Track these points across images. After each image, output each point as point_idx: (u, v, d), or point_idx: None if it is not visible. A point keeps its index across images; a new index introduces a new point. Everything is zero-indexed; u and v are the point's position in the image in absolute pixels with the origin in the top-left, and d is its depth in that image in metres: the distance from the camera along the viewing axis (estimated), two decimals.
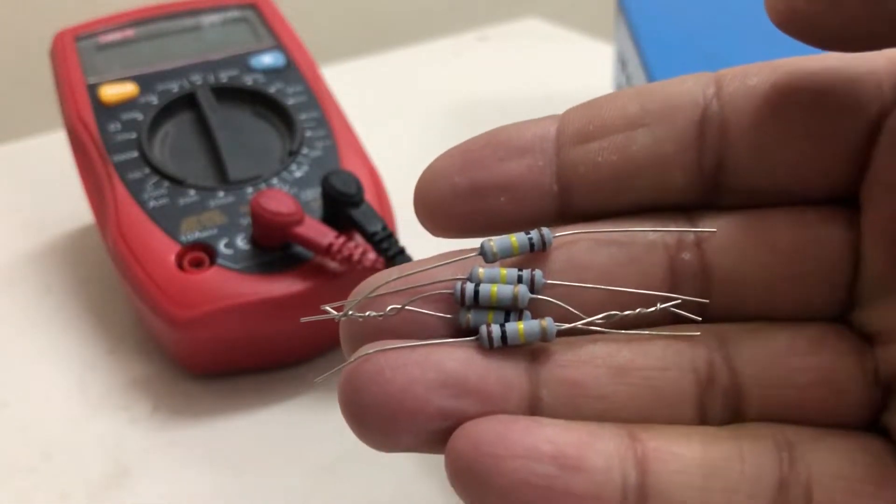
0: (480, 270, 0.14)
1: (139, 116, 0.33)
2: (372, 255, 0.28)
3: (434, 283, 0.14)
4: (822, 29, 0.13)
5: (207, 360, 0.30)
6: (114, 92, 0.34)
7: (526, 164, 0.15)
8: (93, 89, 0.34)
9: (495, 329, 0.14)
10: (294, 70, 0.36)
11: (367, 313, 0.14)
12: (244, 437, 0.28)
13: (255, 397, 0.30)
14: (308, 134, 0.33)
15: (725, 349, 0.14)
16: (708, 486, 0.13)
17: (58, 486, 0.27)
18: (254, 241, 0.29)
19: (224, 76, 0.35)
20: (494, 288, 0.14)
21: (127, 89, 0.34)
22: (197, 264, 0.29)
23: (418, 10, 0.80)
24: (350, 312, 0.14)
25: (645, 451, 0.13)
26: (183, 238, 0.29)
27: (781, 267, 0.14)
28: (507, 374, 0.14)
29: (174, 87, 0.34)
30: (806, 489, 0.13)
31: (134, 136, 0.32)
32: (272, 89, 0.35)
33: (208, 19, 0.38)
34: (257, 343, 0.29)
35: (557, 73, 0.53)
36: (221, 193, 0.31)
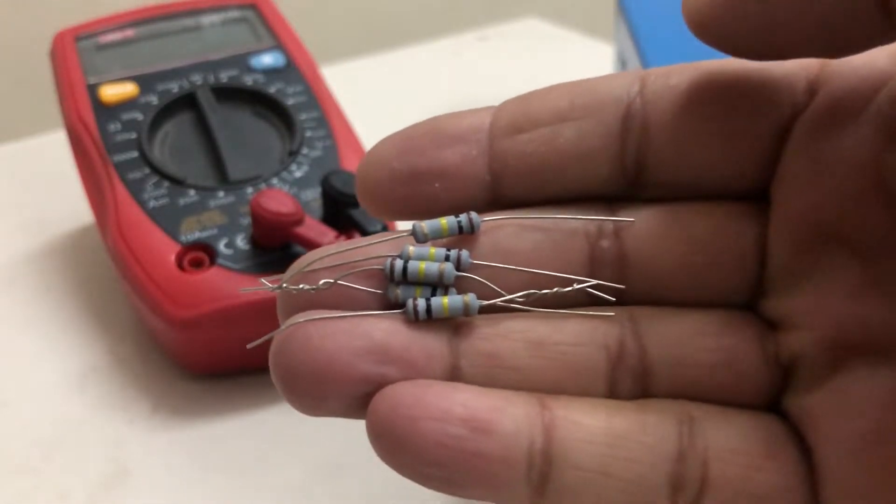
0: (411, 249, 0.15)
1: (139, 116, 0.33)
2: None
3: (366, 259, 0.15)
4: (730, 39, 0.14)
5: (207, 360, 0.30)
6: (114, 92, 0.34)
7: (460, 152, 0.15)
8: (93, 89, 0.34)
9: (421, 302, 0.14)
10: (294, 70, 0.36)
11: (300, 286, 0.15)
12: (244, 437, 0.28)
13: (255, 397, 0.30)
14: (308, 134, 0.33)
15: (637, 329, 0.15)
16: (610, 454, 0.14)
17: (58, 486, 0.27)
18: (254, 241, 0.29)
19: (224, 76, 0.35)
20: (423, 265, 0.15)
21: (127, 89, 0.34)
22: (197, 264, 0.29)
23: (418, 10, 0.80)
24: (284, 285, 0.15)
25: (553, 418, 0.14)
26: (183, 238, 0.29)
27: (694, 256, 0.15)
28: (429, 345, 0.14)
29: (174, 87, 0.34)
30: (703, 460, 0.14)
31: (134, 136, 0.32)
32: (272, 89, 0.35)
33: (208, 19, 0.38)
34: None
35: (557, 73, 0.53)
36: (221, 193, 0.31)
